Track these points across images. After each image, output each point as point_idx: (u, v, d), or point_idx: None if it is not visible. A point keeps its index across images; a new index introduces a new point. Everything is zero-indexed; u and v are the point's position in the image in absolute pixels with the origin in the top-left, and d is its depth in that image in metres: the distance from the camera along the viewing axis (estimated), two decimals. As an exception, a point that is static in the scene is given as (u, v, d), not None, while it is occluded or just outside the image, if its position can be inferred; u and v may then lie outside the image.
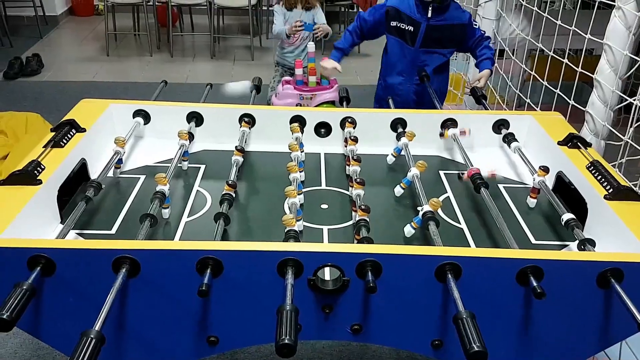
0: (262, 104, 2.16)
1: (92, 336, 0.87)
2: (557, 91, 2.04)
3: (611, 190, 1.30)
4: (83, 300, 1.07)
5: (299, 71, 3.50)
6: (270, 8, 5.30)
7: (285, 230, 1.18)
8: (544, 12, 2.16)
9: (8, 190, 1.25)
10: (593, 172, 1.39)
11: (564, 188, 1.47)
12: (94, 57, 5.29)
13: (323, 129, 1.76)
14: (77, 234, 1.30)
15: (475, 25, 2.29)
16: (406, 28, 2.22)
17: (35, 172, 1.29)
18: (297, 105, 3.39)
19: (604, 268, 1.06)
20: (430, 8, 2.16)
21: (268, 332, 1.02)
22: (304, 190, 1.50)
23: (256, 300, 1.09)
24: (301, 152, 1.57)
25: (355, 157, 1.50)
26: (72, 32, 6.05)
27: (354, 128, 1.70)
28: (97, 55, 5.31)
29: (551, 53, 2.08)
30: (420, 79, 2.26)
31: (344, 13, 5.80)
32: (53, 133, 1.48)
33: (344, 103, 1.99)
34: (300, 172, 1.47)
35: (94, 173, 1.50)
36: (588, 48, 1.94)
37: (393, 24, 2.24)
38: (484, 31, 2.35)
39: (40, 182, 1.28)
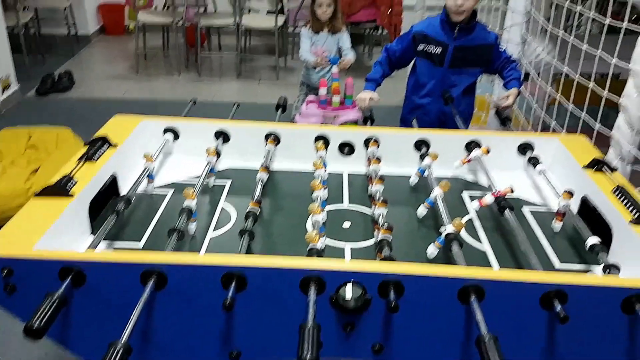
0: (287, 122, 2.20)
1: (119, 347, 0.89)
2: (583, 113, 2.03)
3: (637, 215, 1.29)
4: (111, 311, 1.09)
5: (322, 91, 3.55)
6: (295, 30, 5.39)
7: (308, 247, 1.20)
8: (570, 36, 2.16)
9: (42, 202, 1.29)
10: (619, 196, 1.38)
11: (589, 212, 1.46)
12: (123, 75, 5.42)
13: (347, 147, 1.78)
14: (108, 245, 1.33)
15: (502, 47, 2.30)
16: (434, 50, 2.25)
17: (68, 186, 1.33)
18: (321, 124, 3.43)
19: (629, 294, 1.05)
20: (457, 29, 2.19)
21: (290, 348, 1.03)
22: (326, 208, 1.52)
23: (279, 316, 1.10)
24: (325, 170, 1.59)
25: (378, 177, 1.52)
26: (103, 51, 6.22)
27: (377, 147, 1.71)
28: (127, 74, 5.45)
29: (577, 77, 2.08)
30: (445, 100, 2.28)
31: (369, 35, 5.86)
32: (86, 147, 1.53)
33: (369, 122, 2.01)
34: (323, 190, 1.48)
35: (124, 187, 1.54)
36: (614, 72, 1.93)
37: (420, 47, 2.28)
38: (511, 54, 2.36)
39: (72, 195, 1.32)
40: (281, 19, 5.32)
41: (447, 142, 1.74)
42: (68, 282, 1.06)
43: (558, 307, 1.03)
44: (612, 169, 1.52)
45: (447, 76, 2.28)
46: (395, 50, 2.36)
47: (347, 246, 1.39)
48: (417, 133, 1.78)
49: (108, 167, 1.50)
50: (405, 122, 2.43)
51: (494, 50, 2.26)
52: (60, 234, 1.24)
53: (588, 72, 2.11)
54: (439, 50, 2.24)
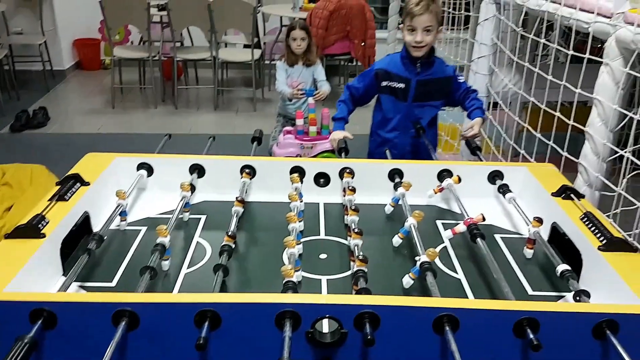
0: (263, 155, 2.21)
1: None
2: (551, 142, 2.09)
3: (605, 241, 1.32)
4: (83, 353, 1.07)
5: (299, 121, 3.58)
6: (272, 62, 5.46)
7: (284, 282, 1.20)
8: (536, 66, 2.24)
9: (13, 243, 1.28)
10: (587, 223, 1.41)
11: (560, 239, 1.49)
12: (99, 109, 5.40)
13: (322, 179, 1.79)
14: (79, 286, 1.31)
15: (461, 78, 2.39)
16: (397, 86, 2.32)
17: (40, 225, 1.32)
18: (297, 156, 3.45)
19: (600, 319, 1.06)
20: (418, 64, 2.25)
21: (266, 386, 1.03)
22: (303, 240, 1.52)
23: (254, 353, 1.09)
24: (300, 202, 1.60)
25: (353, 207, 1.53)
26: (79, 86, 6.21)
27: (352, 178, 1.73)
28: (103, 108, 5.43)
29: (543, 106, 2.15)
30: (417, 131, 2.33)
31: (344, 67, 5.96)
32: (58, 187, 1.52)
33: (343, 154, 2.04)
34: (299, 222, 1.49)
35: (97, 226, 1.53)
36: (582, 100, 2.00)
37: (384, 84, 2.34)
38: (470, 85, 2.44)
39: (44, 235, 1.31)
40: (257, 53, 5.39)
41: (419, 172, 1.77)
42: (39, 325, 1.04)
43: (531, 335, 1.04)
44: (580, 196, 1.56)
45: (412, 110, 2.34)
46: (357, 87, 2.41)
47: (324, 278, 1.39)
48: (390, 163, 1.80)
49: (80, 206, 1.49)
50: (373, 157, 2.45)
51: (453, 82, 2.34)
52: (31, 275, 1.22)
53: (556, 101, 2.18)
54: (402, 85, 2.30)
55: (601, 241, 1.33)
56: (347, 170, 1.74)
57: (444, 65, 2.35)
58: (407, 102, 2.32)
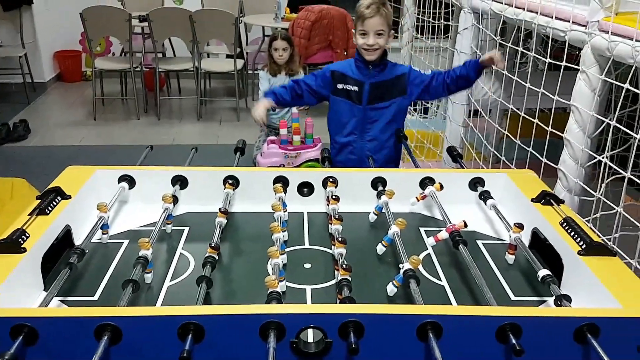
0: (246, 166, 2.21)
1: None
2: (530, 149, 2.12)
3: (584, 246, 1.34)
4: (64, 369, 1.06)
5: (283, 131, 3.59)
6: (255, 72, 5.47)
7: (268, 292, 1.19)
8: (514, 74, 2.27)
9: (-8, 258, 1.26)
10: (566, 228, 1.43)
11: (540, 244, 1.51)
12: (81, 121, 5.36)
13: (306, 188, 1.80)
14: (61, 301, 1.30)
15: (422, 71, 2.38)
16: (352, 89, 2.32)
17: (20, 240, 1.31)
18: (280, 165, 3.46)
19: (581, 324, 1.08)
20: (370, 67, 2.28)
21: (250, 397, 1.02)
22: (287, 250, 1.52)
23: (239, 365, 1.08)
24: (284, 211, 1.60)
25: (337, 216, 1.54)
26: (60, 98, 6.16)
27: (335, 187, 1.74)
28: (85, 120, 5.39)
29: (522, 114, 2.18)
30: (398, 139, 2.34)
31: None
32: (39, 201, 1.50)
33: (326, 163, 2.04)
34: (283, 232, 1.49)
35: (79, 239, 1.51)
36: (561, 106, 2.03)
37: (340, 86, 2.35)
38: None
39: (24, 250, 1.29)
40: (240, 63, 5.40)
41: (402, 180, 1.78)
42: (20, 341, 1.02)
43: (513, 341, 1.05)
44: (559, 202, 1.58)
45: (367, 113, 2.34)
46: (309, 84, 2.37)
47: (308, 288, 1.39)
48: (373, 172, 1.82)
49: (61, 220, 1.47)
50: (334, 165, 2.42)
51: (410, 75, 2.32)
52: (12, 291, 1.20)
53: (535, 107, 2.21)
54: (356, 88, 2.31)
55: (581, 246, 1.35)
56: (331, 180, 1.75)
57: (398, 66, 2.36)
58: (362, 105, 2.33)
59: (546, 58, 2.10)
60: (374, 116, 2.34)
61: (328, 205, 1.67)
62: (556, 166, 1.95)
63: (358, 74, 2.31)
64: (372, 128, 2.35)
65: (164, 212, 1.58)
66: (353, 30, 2.34)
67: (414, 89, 2.33)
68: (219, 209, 1.57)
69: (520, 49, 2.27)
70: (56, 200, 1.52)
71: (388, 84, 2.31)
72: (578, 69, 1.86)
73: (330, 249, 1.54)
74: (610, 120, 1.74)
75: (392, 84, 2.32)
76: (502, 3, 2.36)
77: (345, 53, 5.03)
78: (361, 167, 2.15)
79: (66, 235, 1.49)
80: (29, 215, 1.43)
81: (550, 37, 2.05)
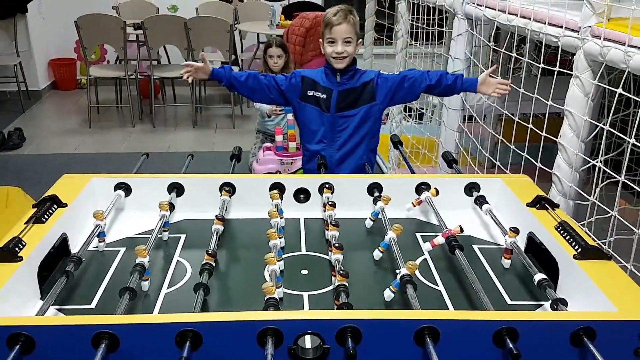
0: (242, 173, 2.22)
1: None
2: (525, 154, 2.13)
3: (580, 250, 1.35)
4: (61, 378, 1.05)
5: (279, 138, 3.59)
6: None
7: (265, 299, 1.19)
8: (508, 80, 2.29)
9: (-12, 267, 1.25)
10: (561, 232, 1.44)
11: (536, 249, 1.52)
12: (76, 129, 5.36)
13: (302, 194, 1.80)
14: (57, 309, 1.29)
15: (391, 74, 2.37)
16: (321, 96, 2.33)
17: (17, 248, 1.30)
18: (276, 172, 3.46)
19: (577, 327, 1.08)
20: (338, 74, 2.29)
21: (249, 404, 1.02)
22: (284, 256, 1.52)
23: (236, 372, 1.08)
24: (281, 218, 1.60)
25: (333, 222, 1.54)
26: (55, 106, 6.15)
27: (332, 193, 1.74)
28: (79, 128, 5.39)
29: (516, 119, 2.19)
30: (394, 145, 2.35)
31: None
32: (35, 209, 1.50)
33: (322, 169, 2.05)
34: (280, 238, 1.49)
35: (75, 247, 1.51)
36: (555, 111, 2.05)
37: (310, 92, 2.34)
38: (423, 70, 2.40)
39: (21, 258, 1.29)
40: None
41: (398, 186, 1.79)
42: (17, 350, 1.02)
43: (510, 345, 1.05)
44: (554, 206, 1.59)
45: (336, 120, 2.34)
46: (279, 83, 2.34)
47: (306, 294, 1.39)
48: (369, 178, 1.82)
49: (58, 228, 1.47)
50: (306, 172, 2.43)
51: (377, 80, 2.31)
52: (8, 299, 1.20)
53: (529, 112, 2.23)
54: (324, 96, 2.32)
55: (576, 250, 1.36)
56: (327, 186, 1.75)
57: (365, 72, 2.36)
58: (330, 112, 2.33)
59: (539, 63, 2.12)
60: (343, 124, 2.34)
61: (324, 211, 1.67)
62: (551, 171, 1.96)
63: (327, 82, 2.31)
64: (342, 136, 2.35)
65: (160, 219, 1.58)
66: (320, 40, 2.33)
67: (383, 95, 2.32)
68: (216, 215, 1.57)
69: (514, 54, 2.29)
70: (52, 208, 1.52)
71: (356, 91, 2.31)
72: (571, 74, 1.88)
73: (327, 255, 1.54)
74: (603, 124, 1.75)
75: (360, 90, 2.32)
76: (495, 9, 2.38)
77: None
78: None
79: (62, 243, 1.49)
80: (25, 223, 1.43)
81: (544, 42, 2.07)
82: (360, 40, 2.30)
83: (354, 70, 2.31)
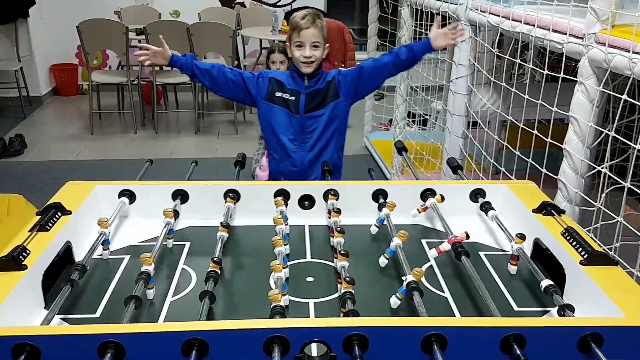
0: (246, 179, 2.21)
1: None
2: (530, 160, 2.13)
3: (586, 255, 1.35)
4: (67, 387, 1.05)
5: (281, 144, 3.56)
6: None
7: (271, 306, 1.19)
8: (512, 86, 2.29)
9: (-7, 276, 1.25)
10: (568, 238, 1.44)
11: (542, 254, 1.51)
12: (77, 136, 5.35)
13: (307, 201, 1.80)
14: (62, 318, 1.29)
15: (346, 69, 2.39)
16: (289, 98, 2.33)
17: (21, 257, 1.30)
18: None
19: (584, 333, 1.08)
20: (305, 78, 2.30)
21: (255, 414, 1.01)
22: (289, 263, 1.52)
23: (243, 381, 1.08)
24: (286, 225, 1.60)
25: (338, 229, 1.53)
26: (56, 112, 6.15)
27: (336, 200, 1.74)
28: (81, 134, 5.38)
29: (521, 125, 2.19)
30: (398, 151, 2.35)
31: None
32: (38, 217, 1.50)
33: (327, 175, 2.04)
34: (285, 245, 1.49)
35: (79, 255, 1.51)
36: (559, 117, 2.04)
37: (278, 94, 2.34)
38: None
39: (25, 267, 1.28)
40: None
41: (403, 192, 1.79)
42: (22, 360, 1.01)
43: (517, 351, 1.05)
44: (560, 212, 1.59)
45: (305, 122, 2.34)
46: (245, 79, 2.33)
47: (311, 302, 1.39)
48: (374, 184, 1.82)
49: (62, 236, 1.47)
50: (275, 179, 2.40)
51: (338, 77, 2.33)
52: (13, 309, 1.20)
53: (533, 118, 2.23)
54: (293, 98, 2.33)
55: (583, 256, 1.36)
56: (332, 192, 1.75)
57: (329, 73, 2.37)
58: (299, 114, 2.33)
59: (543, 70, 2.12)
60: (312, 124, 2.35)
61: (329, 218, 1.67)
62: (556, 177, 1.96)
63: (293, 85, 2.32)
64: (312, 137, 2.35)
65: (165, 226, 1.58)
66: (288, 43, 2.33)
67: (345, 91, 2.34)
68: (221, 222, 1.57)
69: (518, 60, 2.29)
70: (56, 216, 1.52)
71: (322, 92, 2.33)
72: (575, 80, 1.88)
73: (333, 262, 1.53)
74: (608, 130, 1.75)
75: (325, 90, 2.33)
76: (499, 16, 2.38)
77: (343, 65, 5.06)
78: (302, 180, 2.14)
79: (67, 251, 1.48)
80: (29, 231, 1.43)
81: (548, 49, 2.07)
82: (327, 45, 2.31)
83: (320, 73, 2.33)
